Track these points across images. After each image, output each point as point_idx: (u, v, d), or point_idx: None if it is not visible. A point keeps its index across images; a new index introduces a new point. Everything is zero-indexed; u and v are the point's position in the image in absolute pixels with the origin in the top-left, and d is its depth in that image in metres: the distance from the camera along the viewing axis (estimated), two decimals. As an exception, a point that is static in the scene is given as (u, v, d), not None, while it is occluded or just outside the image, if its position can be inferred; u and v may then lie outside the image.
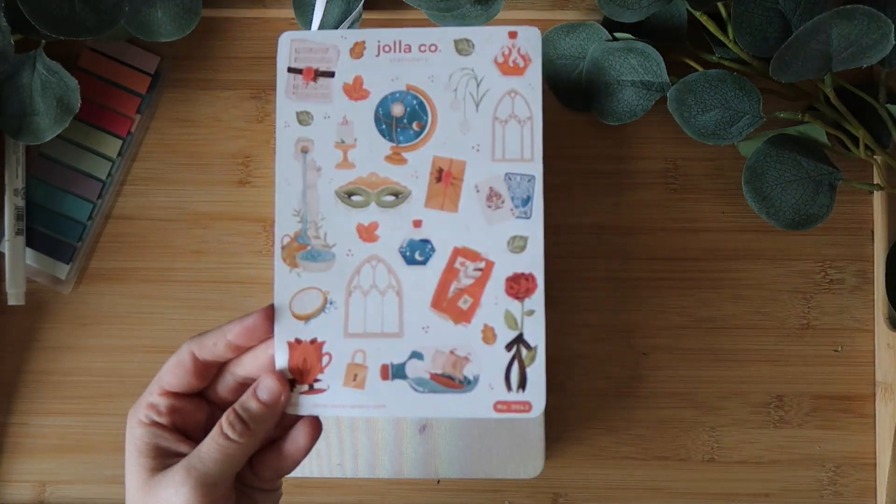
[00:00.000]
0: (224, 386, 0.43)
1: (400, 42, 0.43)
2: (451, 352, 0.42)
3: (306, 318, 0.42)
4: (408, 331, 0.42)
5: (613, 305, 0.58)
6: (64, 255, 0.57)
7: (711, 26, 0.53)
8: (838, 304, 0.58)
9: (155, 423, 0.42)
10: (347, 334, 0.42)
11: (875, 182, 0.57)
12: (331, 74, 0.43)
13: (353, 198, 0.43)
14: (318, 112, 0.43)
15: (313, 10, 0.55)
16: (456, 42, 0.43)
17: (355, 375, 0.42)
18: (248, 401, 0.41)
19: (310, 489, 0.58)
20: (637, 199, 0.58)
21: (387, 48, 0.43)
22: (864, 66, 0.50)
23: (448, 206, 0.42)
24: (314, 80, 0.43)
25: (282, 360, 0.41)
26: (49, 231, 0.58)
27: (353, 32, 0.43)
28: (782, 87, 0.55)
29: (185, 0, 0.54)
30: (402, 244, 0.43)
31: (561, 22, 0.57)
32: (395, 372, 0.42)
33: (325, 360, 0.42)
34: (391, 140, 0.43)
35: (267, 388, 0.41)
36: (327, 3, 0.55)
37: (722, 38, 0.54)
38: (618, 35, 0.55)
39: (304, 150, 0.43)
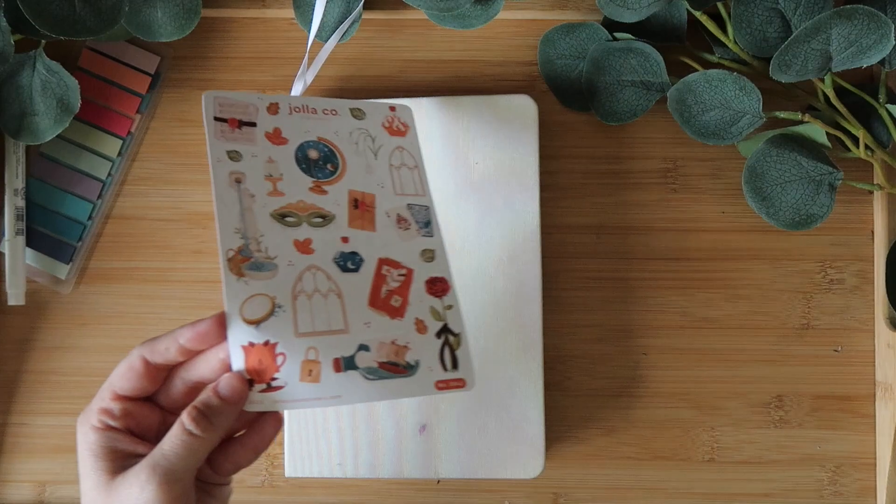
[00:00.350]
0: (174, 390, 0.44)
1: (307, 106, 0.50)
2: (393, 342, 0.45)
3: (257, 323, 0.44)
4: (352, 327, 0.45)
5: (613, 305, 0.58)
6: (64, 255, 0.58)
7: (711, 26, 0.54)
8: (838, 304, 0.58)
9: (110, 427, 0.43)
10: (298, 334, 0.44)
11: (875, 182, 0.57)
12: (253, 124, 0.48)
13: (287, 219, 0.47)
14: (245, 152, 0.47)
15: (313, 10, 0.55)
16: (351, 110, 0.50)
17: (310, 371, 0.44)
18: (209, 398, 0.42)
19: (310, 489, 0.58)
20: (637, 199, 0.58)
21: (297, 109, 0.49)
22: (864, 66, 0.50)
23: (367, 226, 0.48)
24: (238, 128, 0.48)
25: (238, 363, 0.42)
26: (49, 231, 0.58)
27: (266, 97, 0.50)
28: (782, 87, 0.55)
29: (185, 0, 0.54)
30: (335, 255, 0.47)
31: (561, 22, 0.57)
32: (346, 364, 0.44)
33: (279, 359, 0.44)
34: (312, 176, 0.48)
35: (228, 384, 0.42)
36: (327, 3, 0.55)
37: (722, 38, 0.54)
38: (618, 35, 0.55)
39: (238, 181, 0.47)
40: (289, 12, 0.58)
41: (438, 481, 0.58)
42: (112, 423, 0.43)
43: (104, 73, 0.57)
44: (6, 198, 0.56)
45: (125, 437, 0.43)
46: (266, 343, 0.43)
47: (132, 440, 0.43)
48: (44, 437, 0.58)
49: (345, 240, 0.48)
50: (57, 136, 0.53)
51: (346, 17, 0.56)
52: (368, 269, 0.47)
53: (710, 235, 0.58)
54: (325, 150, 0.50)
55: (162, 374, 0.44)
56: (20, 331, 0.58)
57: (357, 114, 0.51)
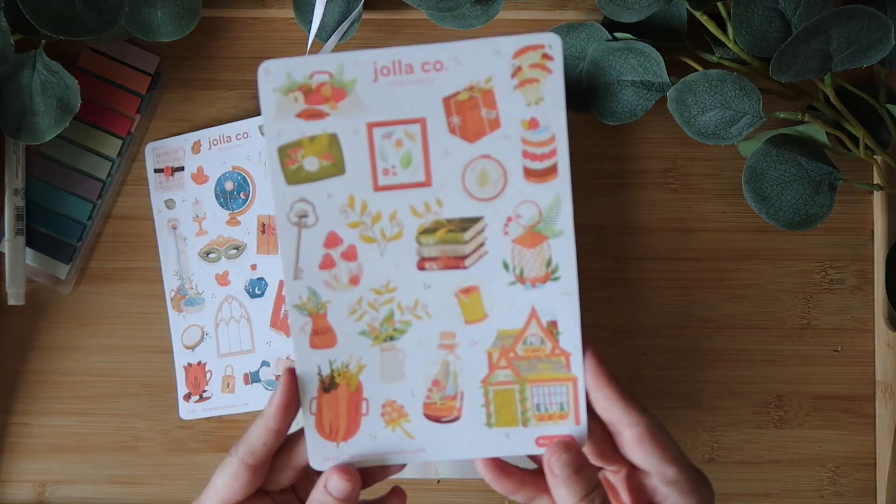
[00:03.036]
0: (282, 477, 0.43)
1: (222, 135, 0.57)
2: (288, 357, 0.57)
3: (192, 348, 0.57)
4: (257, 346, 0.57)
5: (613, 305, 0.58)
6: (64, 255, 0.57)
7: (711, 26, 0.54)
8: (838, 304, 0.58)
9: None
10: (220, 354, 0.57)
11: (875, 182, 0.57)
12: (182, 169, 0.57)
13: (210, 255, 0.57)
14: (178, 197, 0.57)
15: (313, 10, 0.55)
16: (260, 128, 0.57)
17: (228, 384, 0.57)
18: (325, 500, 0.42)
19: (310, 489, 0.58)
20: (637, 199, 0.58)
21: (215, 141, 0.57)
22: (864, 66, 0.50)
23: (272, 250, 0.57)
24: (172, 175, 0.57)
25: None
26: (49, 231, 0.58)
27: (192, 135, 0.58)
28: (782, 87, 0.55)
29: (185, 0, 0.54)
30: (246, 284, 0.57)
31: (561, 22, 0.57)
32: (252, 378, 0.57)
33: (208, 375, 0.57)
34: (228, 209, 0.57)
35: (337, 486, 0.42)
36: (327, 3, 0.55)
37: (722, 38, 0.54)
38: (618, 35, 0.55)
39: (174, 227, 0.57)
40: (289, 12, 0.58)
41: (438, 481, 0.58)
42: None
43: (104, 73, 0.57)
44: (6, 198, 0.56)
45: None
46: (199, 363, 0.57)
47: None
48: (44, 437, 0.58)
49: (253, 267, 0.57)
50: (57, 136, 0.53)
51: (346, 17, 0.56)
52: (272, 293, 0.57)
53: (710, 235, 0.58)
54: (239, 178, 0.56)
55: (266, 467, 0.43)
56: (20, 331, 0.58)
57: (263, 130, 0.52)
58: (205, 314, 0.57)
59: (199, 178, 0.57)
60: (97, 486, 0.58)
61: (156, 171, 0.57)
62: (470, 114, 0.42)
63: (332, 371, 0.43)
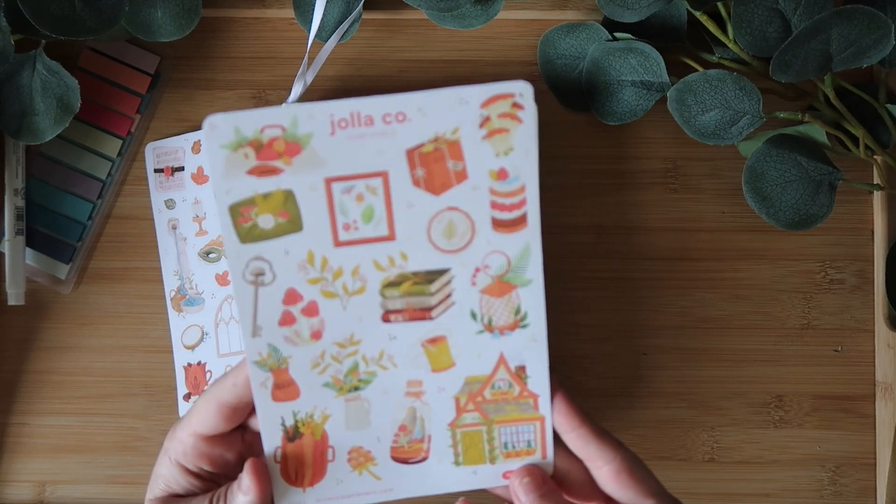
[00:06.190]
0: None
1: None
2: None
3: (192, 348, 0.56)
4: None
5: (613, 305, 0.58)
6: (64, 255, 0.58)
7: (711, 26, 0.54)
8: (838, 304, 0.58)
9: (179, 465, 0.43)
10: (220, 354, 0.56)
11: (875, 182, 0.57)
12: (182, 169, 0.56)
13: (210, 255, 0.56)
14: (178, 197, 0.56)
15: (313, 10, 0.55)
16: None
17: None
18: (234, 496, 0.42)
19: (310, 489, 0.58)
20: (637, 199, 0.58)
21: None
22: (864, 66, 0.50)
23: None
24: (172, 175, 0.56)
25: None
26: (49, 231, 0.58)
27: (192, 135, 0.57)
28: (782, 87, 0.55)
29: (185, 0, 0.54)
30: None
31: (561, 22, 0.57)
32: None
33: (208, 375, 0.56)
34: None
35: (245, 485, 0.42)
36: (327, 3, 0.55)
37: (722, 38, 0.54)
38: (618, 35, 0.55)
39: (174, 227, 0.56)
40: (289, 12, 0.58)
41: None
42: (183, 461, 0.43)
43: (104, 73, 0.57)
44: (6, 198, 0.56)
45: (191, 477, 0.43)
46: (199, 363, 0.56)
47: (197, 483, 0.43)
48: (44, 437, 0.58)
49: None
50: (57, 136, 0.53)
51: (346, 17, 0.56)
52: None
53: (710, 235, 0.58)
54: None
55: (240, 412, 0.43)
56: (20, 331, 0.58)
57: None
58: (205, 314, 0.57)
59: (199, 178, 0.57)
60: (97, 486, 0.58)
61: (156, 171, 0.57)
62: (435, 166, 0.40)
63: (296, 422, 0.43)
